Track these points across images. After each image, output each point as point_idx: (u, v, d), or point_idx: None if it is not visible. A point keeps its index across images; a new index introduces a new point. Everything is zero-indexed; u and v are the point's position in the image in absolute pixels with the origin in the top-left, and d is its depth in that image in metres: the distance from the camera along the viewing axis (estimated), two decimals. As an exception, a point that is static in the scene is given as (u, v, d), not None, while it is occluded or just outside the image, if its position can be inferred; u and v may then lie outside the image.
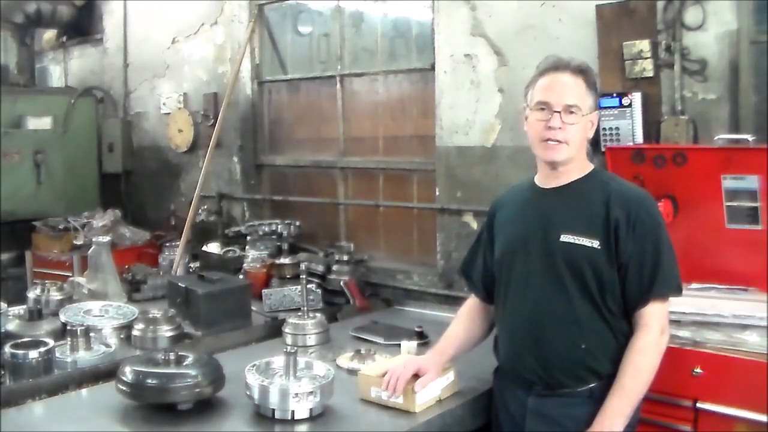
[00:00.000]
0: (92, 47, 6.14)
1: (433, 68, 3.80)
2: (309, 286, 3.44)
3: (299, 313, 3.04)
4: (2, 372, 2.56)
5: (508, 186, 2.61)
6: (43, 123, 5.44)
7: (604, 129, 2.98)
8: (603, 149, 2.96)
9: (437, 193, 3.82)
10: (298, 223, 4.30)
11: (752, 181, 2.56)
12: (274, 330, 3.15)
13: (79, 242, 4.75)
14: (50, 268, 4.70)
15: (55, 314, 3.13)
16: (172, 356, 2.28)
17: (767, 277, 2.55)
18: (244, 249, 4.27)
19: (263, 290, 3.66)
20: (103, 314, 3.14)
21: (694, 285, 2.65)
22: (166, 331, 2.97)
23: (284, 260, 3.92)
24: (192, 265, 4.27)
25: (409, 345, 2.70)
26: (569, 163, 2.16)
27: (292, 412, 2.13)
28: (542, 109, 2.12)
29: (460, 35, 3.63)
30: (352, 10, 4.39)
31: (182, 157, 5.29)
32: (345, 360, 2.68)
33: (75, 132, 5.63)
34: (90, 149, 5.74)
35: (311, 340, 2.98)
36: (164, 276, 3.99)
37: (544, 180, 2.24)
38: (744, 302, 2.52)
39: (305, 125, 4.76)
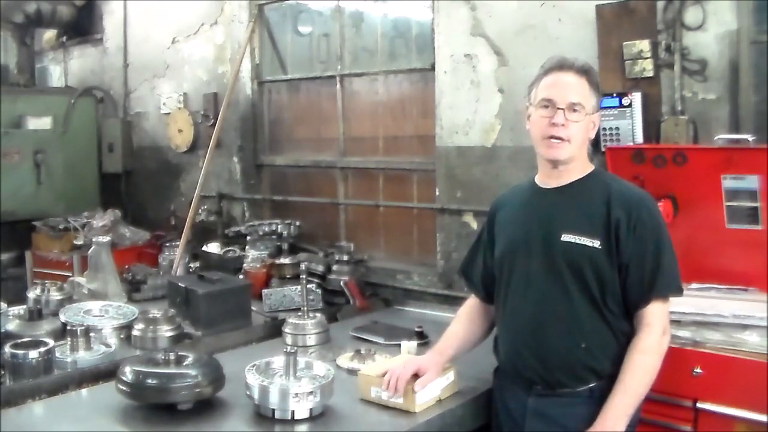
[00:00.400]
0: (92, 47, 6.14)
1: (433, 68, 3.80)
2: (309, 286, 3.44)
3: (299, 313, 3.04)
4: (2, 372, 2.56)
5: (508, 186, 2.61)
6: (43, 123, 5.44)
7: (604, 129, 2.97)
8: (603, 149, 2.96)
9: (437, 193, 3.82)
10: (298, 223, 4.30)
11: (752, 181, 2.56)
12: (274, 330, 3.15)
13: (79, 242, 4.75)
14: (50, 268, 4.70)
15: (55, 314, 3.13)
16: (172, 356, 2.28)
17: (767, 277, 2.55)
18: (244, 249, 4.27)
19: (263, 290, 3.66)
20: (103, 314, 3.14)
21: (694, 285, 2.65)
22: (166, 331, 2.97)
23: (284, 260, 3.93)
24: (192, 265, 4.26)
25: (409, 345, 2.70)
26: (570, 162, 2.17)
27: (292, 412, 2.13)
28: (546, 106, 2.13)
29: (460, 35, 3.63)
30: (352, 10, 4.39)
31: (182, 157, 5.29)
32: (345, 360, 2.68)
33: (75, 132, 5.62)
34: (90, 149, 5.74)
35: (311, 340, 2.98)
36: (164, 276, 3.99)
37: (544, 180, 2.25)
38: (744, 302, 2.52)
39: (305, 125, 4.76)
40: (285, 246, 4.14)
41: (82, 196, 5.53)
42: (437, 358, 2.31)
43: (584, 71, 2.16)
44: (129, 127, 5.75)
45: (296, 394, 2.12)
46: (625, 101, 2.96)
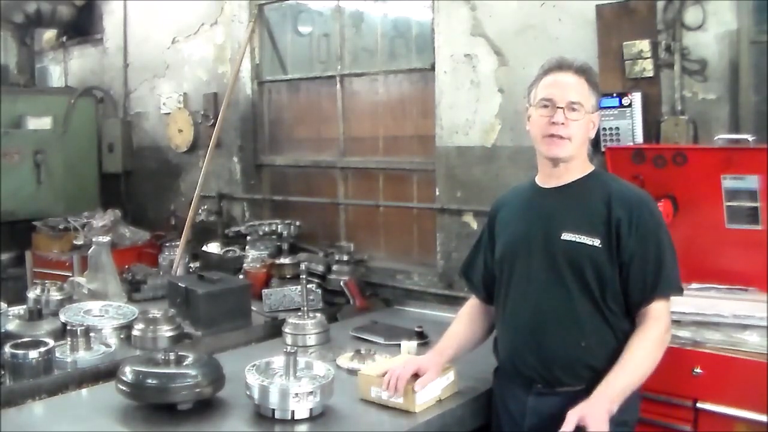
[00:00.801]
0: (92, 47, 6.13)
1: (433, 68, 3.80)
2: (309, 286, 3.44)
3: (299, 313, 3.04)
4: (2, 372, 2.56)
5: (508, 186, 2.61)
6: (43, 123, 5.44)
7: (604, 129, 2.98)
8: (603, 149, 2.96)
9: (437, 193, 3.82)
10: (298, 223, 4.31)
11: (752, 181, 2.56)
12: (274, 330, 3.15)
13: (79, 242, 4.75)
14: (50, 268, 4.70)
15: (55, 314, 3.13)
16: (172, 356, 2.28)
17: (767, 277, 2.55)
18: (244, 249, 4.27)
19: (263, 290, 3.66)
20: (103, 314, 3.14)
21: (694, 285, 2.65)
22: (166, 331, 2.97)
23: (284, 260, 3.92)
24: (192, 265, 4.26)
25: (409, 345, 2.70)
26: (571, 161, 2.17)
27: (292, 412, 2.13)
28: (545, 106, 2.14)
29: (460, 35, 3.63)
30: (352, 10, 4.39)
31: (182, 157, 5.29)
32: (345, 360, 2.68)
33: (75, 132, 5.62)
34: (90, 149, 5.74)
35: (311, 340, 2.98)
36: (164, 276, 3.99)
37: (545, 180, 2.25)
38: (744, 302, 2.52)
39: (305, 125, 4.76)
40: (285, 246, 4.14)
41: (82, 196, 5.53)
42: (437, 358, 2.32)
43: (583, 71, 2.17)
44: (129, 127, 5.75)
45: (296, 394, 2.12)
46: (625, 101, 2.96)
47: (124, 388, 2.20)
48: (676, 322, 2.38)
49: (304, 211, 4.58)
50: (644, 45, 2.97)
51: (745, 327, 2.37)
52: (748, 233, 2.59)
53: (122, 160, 5.71)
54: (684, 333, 2.41)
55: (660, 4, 2.95)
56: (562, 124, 2.11)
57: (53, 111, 5.51)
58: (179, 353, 2.33)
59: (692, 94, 2.91)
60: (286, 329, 3.02)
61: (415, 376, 2.25)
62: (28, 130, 5.38)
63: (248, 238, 4.32)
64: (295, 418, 2.14)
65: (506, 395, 2.27)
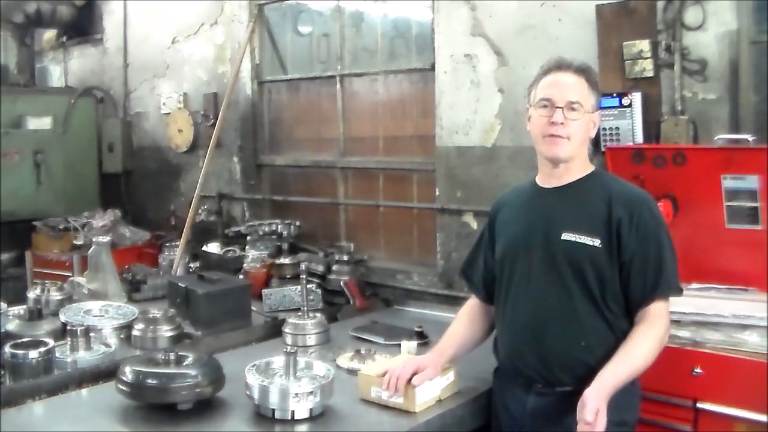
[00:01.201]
0: (92, 47, 6.13)
1: (433, 68, 3.80)
2: (309, 286, 3.44)
3: (299, 313, 3.04)
4: (2, 372, 2.56)
5: (508, 186, 2.62)
6: (43, 123, 5.44)
7: (604, 129, 2.97)
8: (603, 149, 2.96)
9: (437, 193, 3.82)
10: (298, 223, 4.30)
11: (752, 181, 2.56)
12: (274, 330, 3.15)
13: (79, 242, 4.75)
14: (50, 268, 4.71)
15: (55, 314, 3.13)
16: (172, 356, 2.28)
17: (767, 277, 2.55)
18: (244, 249, 4.27)
19: (263, 290, 3.66)
20: (103, 314, 3.14)
21: (694, 285, 2.66)
22: (166, 331, 2.97)
23: (284, 260, 3.92)
24: (192, 265, 4.26)
25: (409, 345, 2.70)
26: (571, 161, 2.18)
27: (292, 412, 2.13)
28: (545, 106, 2.14)
29: (460, 35, 3.63)
30: (352, 10, 4.39)
31: (182, 157, 5.29)
32: (345, 360, 2.68)
33: (75, 132, 5.62)
34: (90, 149, 5.74)
35: (311, 340, 2.98)
36: (164, 276, 3.99)
37: (545, 180, 2.25)
38: (744, 302, 2.52)
39: (305, 125, 4.76)
40: (285, 246, 4.14)
41: (82, 196, 5.53)
42: (437, 357, 2.31)
43: (582, 71, 2.17)
44: (129, 127, 5.75)
45: (296, 394, 2.12)
46: (625, 101, 2.96)
47: (124, 388, 2.20)
48: (676, 322, 2.38)
49: (304, 211, 4.58)
50: (644, 45, 2.97)
51: (745, 327, 2.37)
52: (748, 233, 2.59)
53: (122, 160, 5.71)
54: (684, 333, 2.41)
55: (660, 4, 2.95)
56: (562, 123, 2.11)
57: (53, 111, 5.51)
58: (179, 353, 2.33)
59: (692, 94, 2.91)
60: (286, 329, 3.02)
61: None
62: (28, 130, 5.38)
63: (248, 238, 4.32)
64: (295, 418, 2.14)
65: (506, 395, 2.28)
